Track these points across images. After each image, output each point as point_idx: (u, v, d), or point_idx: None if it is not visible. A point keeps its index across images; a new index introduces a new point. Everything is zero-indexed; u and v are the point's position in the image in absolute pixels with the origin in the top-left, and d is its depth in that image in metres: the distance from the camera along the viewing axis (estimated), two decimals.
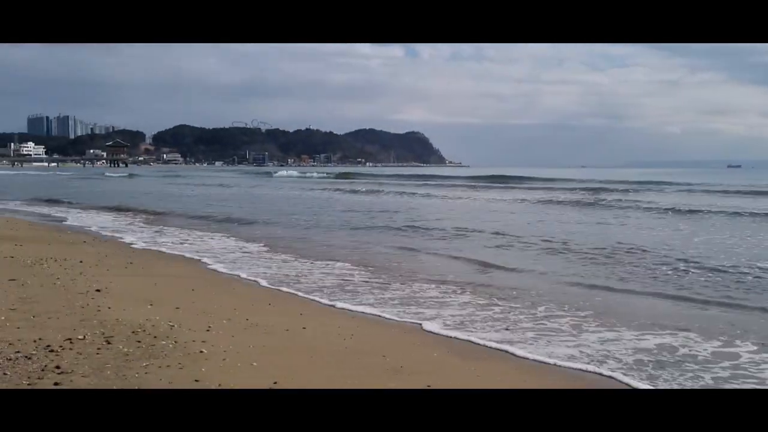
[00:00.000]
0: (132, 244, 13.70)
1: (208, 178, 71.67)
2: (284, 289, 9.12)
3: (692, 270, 10.85)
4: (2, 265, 9.52)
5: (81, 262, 10.31)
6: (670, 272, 10.72)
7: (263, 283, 9.54)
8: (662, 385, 5.53)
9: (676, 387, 5.54)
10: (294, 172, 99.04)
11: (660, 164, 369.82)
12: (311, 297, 8.59)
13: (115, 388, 4.57)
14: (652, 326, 7.20)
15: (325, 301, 8.41)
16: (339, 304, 8.20)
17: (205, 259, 11.70)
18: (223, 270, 10.58)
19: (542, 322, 7.41)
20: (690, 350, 6.40)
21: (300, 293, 8.83)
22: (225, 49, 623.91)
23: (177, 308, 7.23)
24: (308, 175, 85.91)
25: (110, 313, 6.71)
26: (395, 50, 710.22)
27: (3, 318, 6.22)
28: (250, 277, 9.95)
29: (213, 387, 4.72)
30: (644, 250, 12.98)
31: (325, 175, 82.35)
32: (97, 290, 7.89)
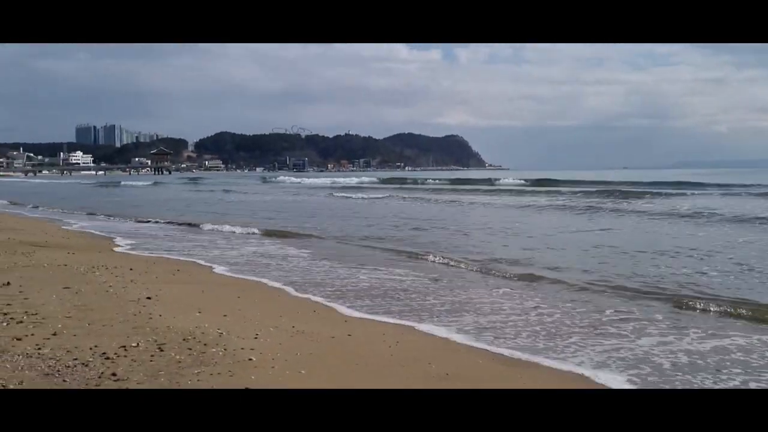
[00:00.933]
0: (172, 251, 13.96)
1: (230, 185, 71.83)
2: (328, 296, 9.19)
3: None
4: (57, 273, 9.84)
5: (131, 269, 10.58)
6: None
7: (308, 290, 9.63)
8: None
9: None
10: (292, 179, 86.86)
11: (707, 164, 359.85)
12: (355, 304, 8.64)
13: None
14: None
15: (367, 308, 8.46)
16: (382, 312, 8.24)
17: (248, 267, 11.89)
18: (265, 278, 10.71)
19: (606, 327, 7.39)
20: (744, 356, 6.28)
21: (344, 301, 8.89)
22: (264, 56, 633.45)
23: (224, 316, 7.38)
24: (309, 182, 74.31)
25: (161, 321, 6.89)
26: (433, 54, 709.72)
27: (60, 326, 6.44)
28: (293, 286, 10.07)
29: None
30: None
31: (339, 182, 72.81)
32: (148, 298, 8.10)
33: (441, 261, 12.68)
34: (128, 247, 14.49)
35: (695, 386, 5.56)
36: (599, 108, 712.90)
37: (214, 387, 4.93)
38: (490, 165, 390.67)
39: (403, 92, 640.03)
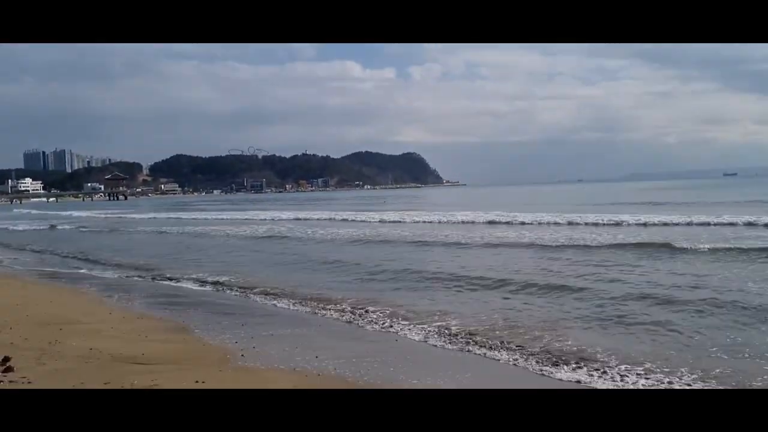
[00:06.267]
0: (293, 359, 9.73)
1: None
2: None
3: None
4: None
5: None
6: None
7: None
8: None
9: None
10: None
11: (659, 176, 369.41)
12: None
13: None
14: None
15: None
16: None
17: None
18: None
19: None
20: None
21: None
22: (216, 77, 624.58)
23: None
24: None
25: None
26: (386, 72, 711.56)
27: None
28: None
29: None
30: None
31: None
32: None
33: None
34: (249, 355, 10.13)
35: None
36: (554, 122, 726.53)
37: None
38: (448, 181, 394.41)
39: (360, 111, 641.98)
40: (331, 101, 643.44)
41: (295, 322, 12.15)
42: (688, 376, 7.91)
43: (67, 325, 11.41)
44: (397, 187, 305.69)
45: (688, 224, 27.22)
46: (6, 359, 8.37)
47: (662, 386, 7.42)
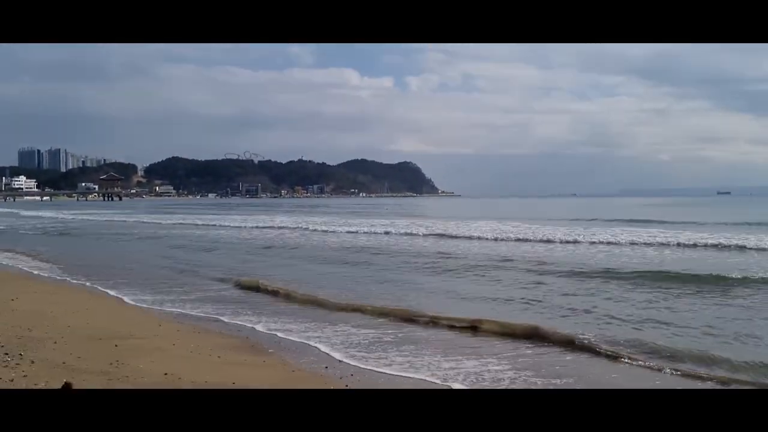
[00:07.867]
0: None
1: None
2: None
3: None
4: None
5: None
6: None
7: None
8: None
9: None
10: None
11: (652, 193, 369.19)
12: None
13: None
14: None
15: None
16: None
17: None
18: None
19: None
20: None
21: None
22: (214, 81, 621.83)
23: None
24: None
25: None
26: (384, 81, 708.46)
27: None
28: None
29: None
30: None
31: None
32: None
33: None
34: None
35: None
36: (550, 136, 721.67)
37: None
38: (443, 192, 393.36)
39: (357, 119, 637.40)
40: (329, 108, 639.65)
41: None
42: None
43: (121, 341, 9.61)
44: (393, 196, 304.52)
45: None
46: (67, 386, 6.44)
47: None
